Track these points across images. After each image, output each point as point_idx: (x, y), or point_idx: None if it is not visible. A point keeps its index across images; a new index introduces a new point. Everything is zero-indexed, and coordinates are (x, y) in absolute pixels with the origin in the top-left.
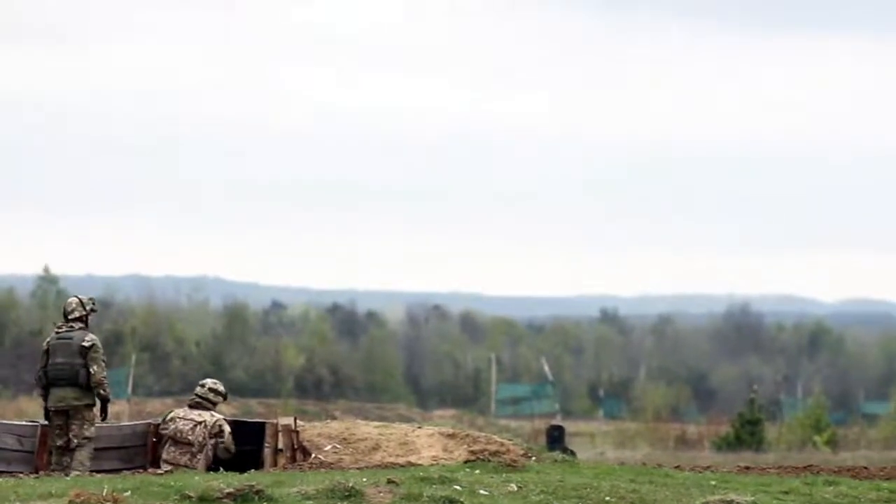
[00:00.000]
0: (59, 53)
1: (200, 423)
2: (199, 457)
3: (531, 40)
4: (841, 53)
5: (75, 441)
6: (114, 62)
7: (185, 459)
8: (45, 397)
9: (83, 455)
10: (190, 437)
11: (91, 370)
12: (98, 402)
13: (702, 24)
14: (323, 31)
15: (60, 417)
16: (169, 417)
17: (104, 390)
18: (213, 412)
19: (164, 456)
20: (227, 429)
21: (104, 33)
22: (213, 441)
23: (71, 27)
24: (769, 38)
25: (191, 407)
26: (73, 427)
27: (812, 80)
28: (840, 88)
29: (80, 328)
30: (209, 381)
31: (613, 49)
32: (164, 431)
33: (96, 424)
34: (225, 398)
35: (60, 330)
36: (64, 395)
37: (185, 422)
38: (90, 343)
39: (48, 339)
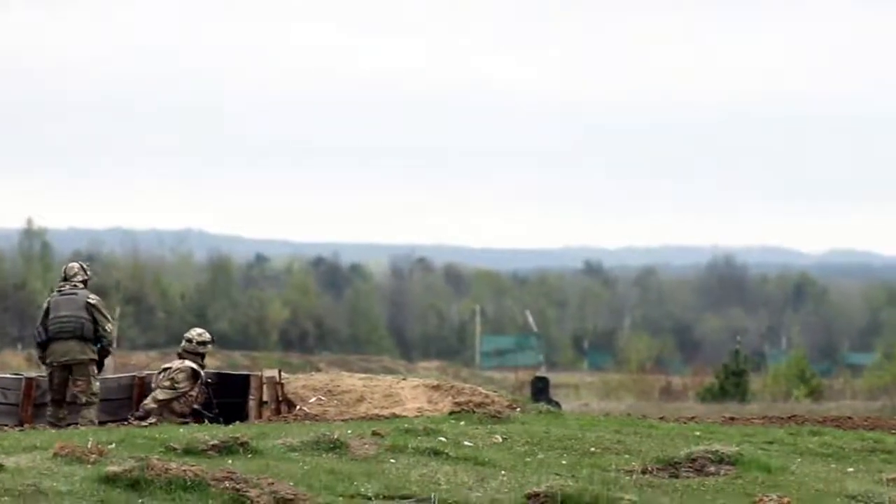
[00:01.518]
0: (44, 8)
1: (167, 368)
2: (172, 404)
3: (517, 4)
4: (821, 11)
5: (83, 398)
6: (99, 19)
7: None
8: (44, 355)
9: (92, 413)
10: (152, 384)
11: (105, 327)
12: (97, 357)
13: None
14: None
15: (63, 372)
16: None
17: (112, 345)
18: (184, 360)
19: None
20: (180, 377)
21: None
22: (195, 388)
23: None
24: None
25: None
26: (80, 383)
27: (795, 36)
28: (821, 44)
29: (83, 288)
30: (195, 335)
31: (598, 12)
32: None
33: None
34: (213, 342)
35: (63, 288)
36: (69, 349)
37: (159, 370)
38: (95, 300)
39: (48, 298)
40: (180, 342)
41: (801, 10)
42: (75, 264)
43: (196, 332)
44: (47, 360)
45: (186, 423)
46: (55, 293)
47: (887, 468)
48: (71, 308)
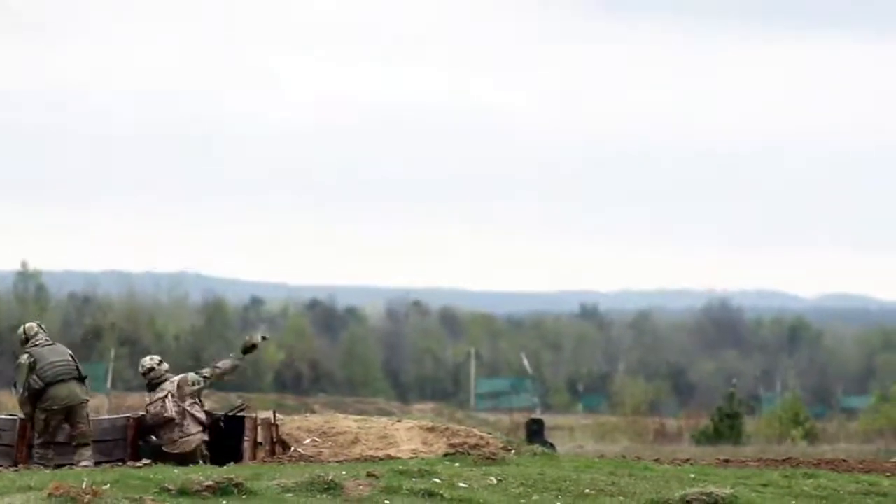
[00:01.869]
0: (37, 45)
1: (166, 394)
2: (185, 423)
3: (516, 32)
4: (821, 50)
5: (82, 439)
6: (93, 56)
7: (176, 435)
8: (35, 404)
9: (89, 452)
10: (167, 414)
11: (83, 375)
12: None
13: (685, 22)
14: (306, 19)
15: (60, 415)
16: (143, 413)
17: None
18: (170, 380)
19: (158, 441)
20: (192, 376)
21: (86, 26)
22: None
23: (53, 19)
24: (752, 35)
25: (151, 390)
26: (81, 425)
27: (791, 78)
28: (817, 86)
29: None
30: (149, 363)
31: (596, 42)
32: (148, 423)
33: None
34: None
35: (38, 342)
36: (71, 391)
37: (154, 404)
38: (70, 351)
39: (26, 356)
40: (146, 379)
41: (802, 48)
42: (33, 324)
43: (148, 360)
44: (44, 405)
45: (205, 438)
46: (32, 347)
47: None
48: (59, 355)
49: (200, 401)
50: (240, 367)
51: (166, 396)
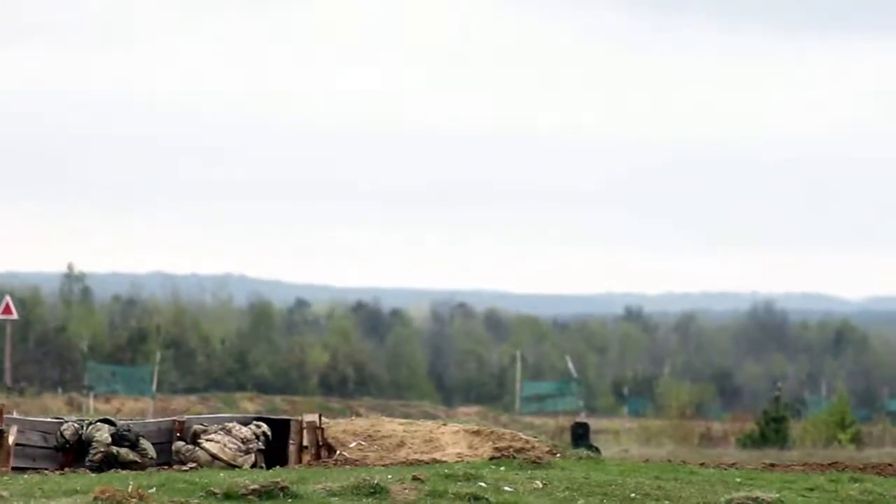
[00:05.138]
0: (82, 50)
1: (261, 431)
2: (245, 457)
3: (564, 40)
4: (861, 53)
5: None
6: (136, 59)
7: (233, 451)
8: None
9: None
10: (246, 434)
11: None
12: None
13: (724, 23)
14: (341, 27)
15: None
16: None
17: None
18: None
19: (215, 437)
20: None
21: (130, 31)
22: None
23: (102, 26)
24: (788, 37)
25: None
26: None
27: (836, 78)
28: (863, 86)
29: None
30: (266, 427)
31: (642, 48)
32: (204, 426)
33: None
34: (256, 443)
35: None
36: None
37: (243, 428)
38: None
39: None
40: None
41: (841, 50)
42: None
43: (267, 428)
44: None
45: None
46: None
47: None
48: None
49: None
50: None
51: (262, 431)
